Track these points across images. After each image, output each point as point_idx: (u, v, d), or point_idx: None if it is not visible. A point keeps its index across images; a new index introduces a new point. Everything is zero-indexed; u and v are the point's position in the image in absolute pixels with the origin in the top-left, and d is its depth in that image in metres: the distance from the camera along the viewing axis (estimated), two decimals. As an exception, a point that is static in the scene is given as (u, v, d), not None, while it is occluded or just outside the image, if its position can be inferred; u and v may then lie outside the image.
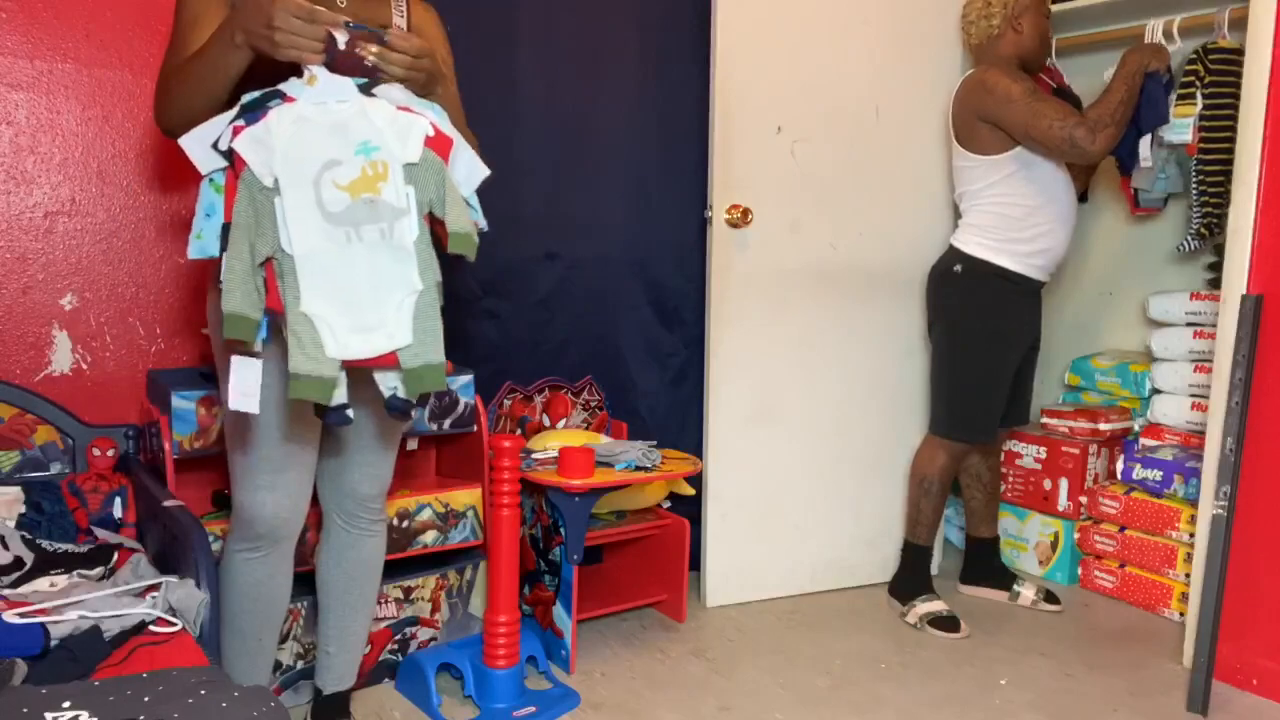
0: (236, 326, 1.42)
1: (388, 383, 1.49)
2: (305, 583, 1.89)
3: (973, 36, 2.60)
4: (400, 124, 1.45)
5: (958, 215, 2.70)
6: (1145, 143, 2.67)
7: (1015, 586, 2.81)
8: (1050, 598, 2.78)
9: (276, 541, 1.69)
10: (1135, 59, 2.45)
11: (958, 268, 2.58)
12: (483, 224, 1.59)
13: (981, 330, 2.58)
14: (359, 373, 1.49)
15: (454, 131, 1.52)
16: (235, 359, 1.46)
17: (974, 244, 2.56)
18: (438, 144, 1.47)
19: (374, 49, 1.46)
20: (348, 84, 1.44)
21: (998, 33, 2.55)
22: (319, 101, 1.43)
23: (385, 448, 1.79)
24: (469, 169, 1.55)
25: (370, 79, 1.47)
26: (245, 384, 1.47)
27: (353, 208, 1.42)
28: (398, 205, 1.43)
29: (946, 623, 2.58)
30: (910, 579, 2.72)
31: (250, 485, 1.65)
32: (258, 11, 1.41)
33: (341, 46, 1.43)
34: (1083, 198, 3.19)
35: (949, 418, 2.64)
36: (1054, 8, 3.04)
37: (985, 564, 2.87)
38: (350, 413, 1.48)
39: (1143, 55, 2.46)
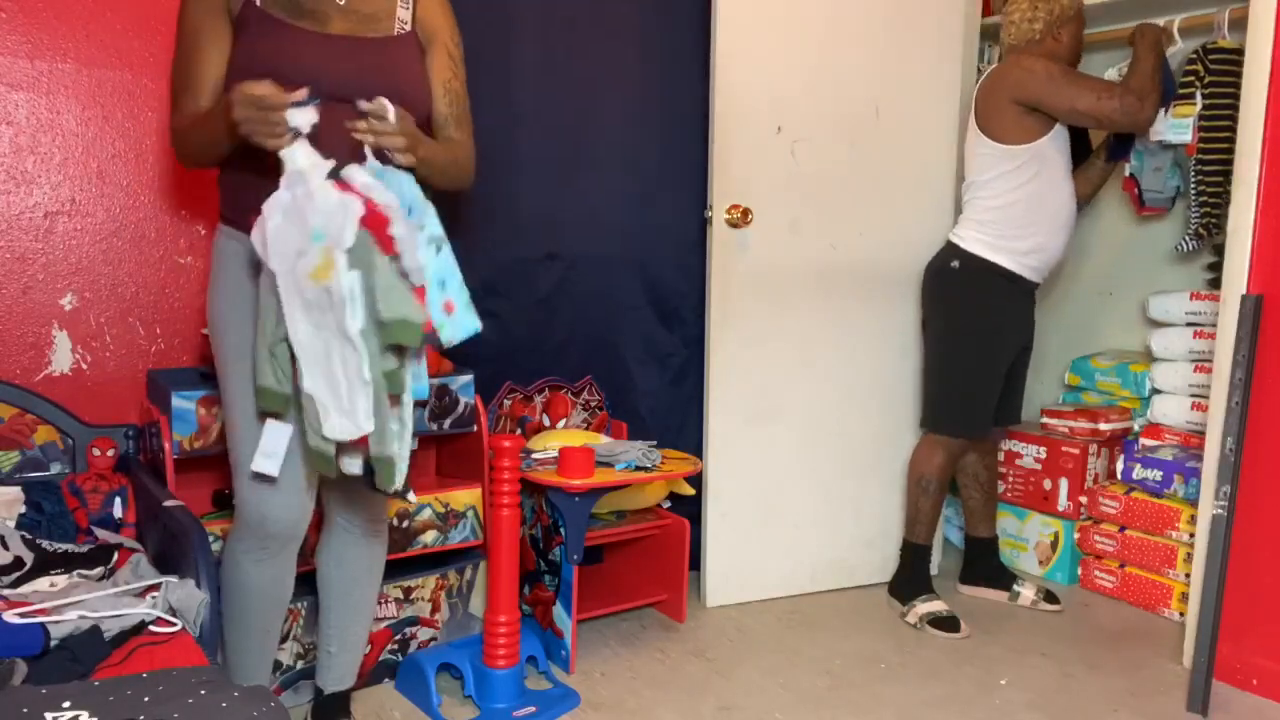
0: (267, 399, 1.51)
1: (353, 465, 1.52)
2: (306, 582, 1.89)
3: (1011, 36, 2.60)
4: (337, 205, 1.40)
5: (958, 211, 2.70)
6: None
7: (1015, 586, 2.80)
8: (1050, 598, 2.78)
9: (285, 543, 1.69)
10: (1152, 30, 2.52)
11: (955, 264, 2.59)
12: (468, 325, 1.54)
13: (976, 327, 2.60)
14: None
15: (414, 203, 1.48)
16: (270, 422, 1.54)
17: (972, 240, 2.57)
18: (372, 222, 1.40)
19: (362, 125, 1.46)
20: (314, 168, 1.42)
21: (1038, 38, 2.56)
22: (289, 189, 1.43)
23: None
24: (430, 247, 1.49)
25: (379, 156, 1.48)
26: (273, 445, 1.55)
27: (319, 296, 1.41)
28: (343, 294, 1.39)
29: (947, 623, 2.58)
30: (910, 579, 2.72)
31: (254, 495, 1.64)
32: (229, 101, 1.43)
33: (304, 126, 1.42)
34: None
35: (942, 413, 2.65)
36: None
37: (985, 564, 2.86)
38: (411, 496, 1.58)
39: (1155, 28, 2.53)
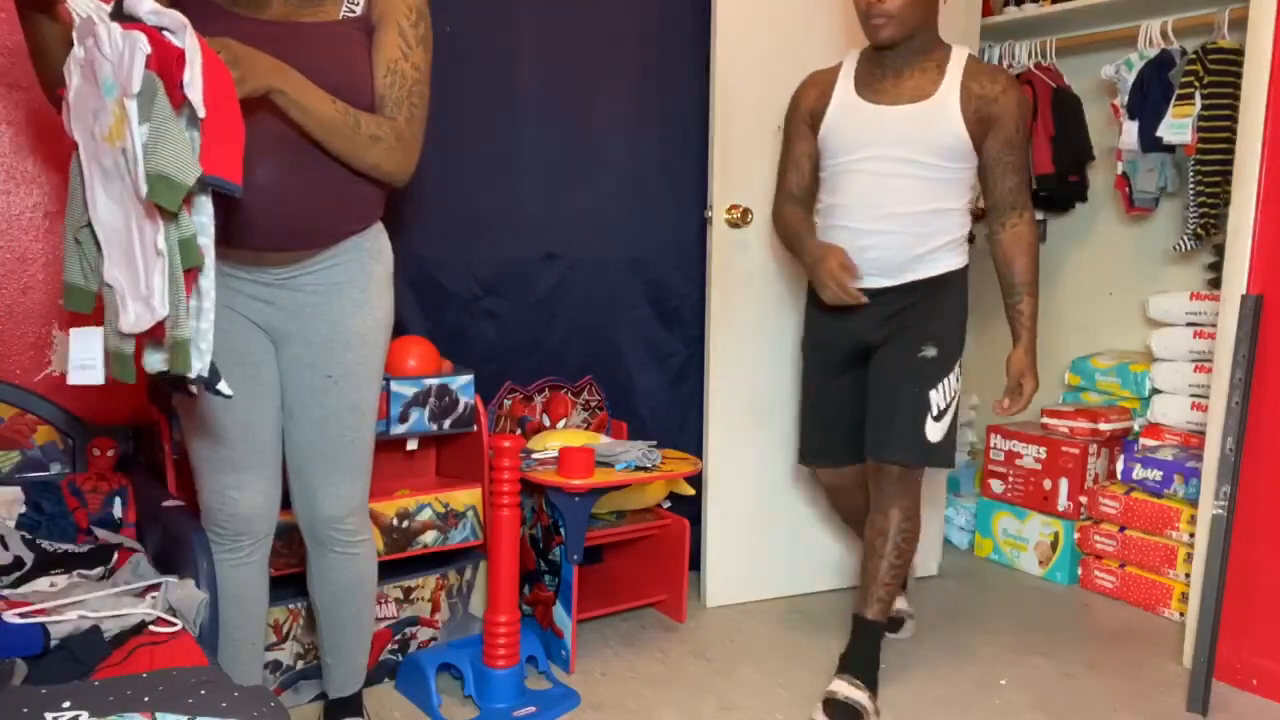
0: (73, 297, 1.35)
1: (155, 361, 1.33)
2: (305, 582, 1.88)
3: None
4: (122, 45, 1.21)
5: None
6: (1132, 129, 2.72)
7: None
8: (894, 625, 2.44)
9: (256, 539, 1.70)
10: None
11: None
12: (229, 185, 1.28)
13: (804, 342, 2.42)
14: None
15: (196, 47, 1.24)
16: (74, 331, 1.36)
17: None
18: (160, 60, 1.21)
19: None
20: (99, 10, 1.24)
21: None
22: (80, 42, 1.26)
23: (346, 468, 1.73)
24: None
25: None
26: (84, 354, 1.37)
27: (117, 161, 1.25)
28: (135, 152, 1.21)
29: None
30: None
31: (217, 487, 1.65)
32: None
33: None
34: (1082, 198, 3.20)
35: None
36: (1054, 8, 3.05)
37: (856, 654, 2.16)
38: (223, 387, 1.33)
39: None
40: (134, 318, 1.29)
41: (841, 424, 2.30)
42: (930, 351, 2.15)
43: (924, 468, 2.19)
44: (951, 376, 2.17)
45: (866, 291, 2.15)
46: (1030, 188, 2.10)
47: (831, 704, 2.05)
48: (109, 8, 1.26)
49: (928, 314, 2.17)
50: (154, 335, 1.29)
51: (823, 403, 2.35)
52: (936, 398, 2.14)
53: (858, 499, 2.39)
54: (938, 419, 2.14)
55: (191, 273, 1.28)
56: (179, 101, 1.23)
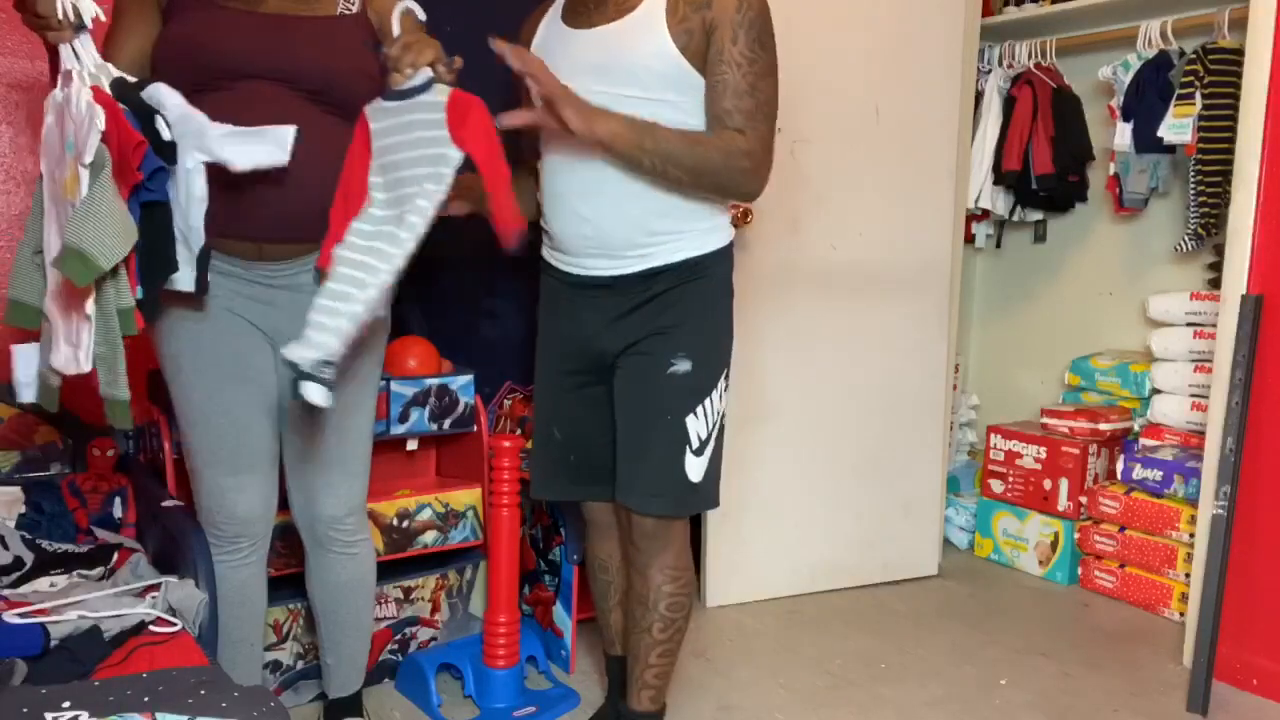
0: (16, 314, 1.40)
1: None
2: (304, 582, 1.88)
3: None
4: (85, 113, 1.24)
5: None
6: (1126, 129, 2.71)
7: None
8: None
9: (255, 540, 1.70)
10: None
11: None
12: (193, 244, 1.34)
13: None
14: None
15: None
16: (15, 348, 1.41)
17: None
18: (116, 139, 1.24)
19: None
20: (80, 69, 1.28)
21: None
22: (62, 88, 1.30)
23: (345, 467, 1.74)
24: (187, 149, 1.32)
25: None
26: (28, 373, 1.42)
27: (64, 212, 1.28)
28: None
29: None
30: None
31: (216, 489, 1.65)
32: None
33: (84, 16, 1.28)
34: (1082, 198, 3.20)
35: None
36: (1054, 8, 3.05)
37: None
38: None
39: None
40: (63, 359, 1.33)
41: (575, 449, 1.81)
42: (682, 365, 1.67)
43: (686, 515, 1.75)
44: (715, 395, 1.71)
45: (586, 279, 1.71)
46: (770, 119, 1.62)
47: None
48: (93, 67, 1.29)
49: (677, 314, 1.69)
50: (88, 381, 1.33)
51: (557, 421, 1.82)
52: (696, 426, 1.68)
53: (607, 547, 1.93)
54: (698, 452, 1.69)
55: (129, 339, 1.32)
56: (132, 183, 1.26)
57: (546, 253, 1.80)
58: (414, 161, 1.45)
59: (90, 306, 1.27)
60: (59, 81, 1.32)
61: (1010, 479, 3.09)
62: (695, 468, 1.69)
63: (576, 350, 1.77)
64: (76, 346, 1.31)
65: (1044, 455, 3.00)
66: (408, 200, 1.45)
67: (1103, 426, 2.95)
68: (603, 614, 1.99)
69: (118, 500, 1.94)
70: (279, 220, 1.58)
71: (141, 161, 1.27)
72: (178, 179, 1.39)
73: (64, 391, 2.06)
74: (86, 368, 1.30)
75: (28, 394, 1.43)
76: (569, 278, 1.74)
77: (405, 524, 2.16)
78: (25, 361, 1.42)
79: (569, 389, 1.79)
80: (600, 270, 1.69)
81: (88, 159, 1.22)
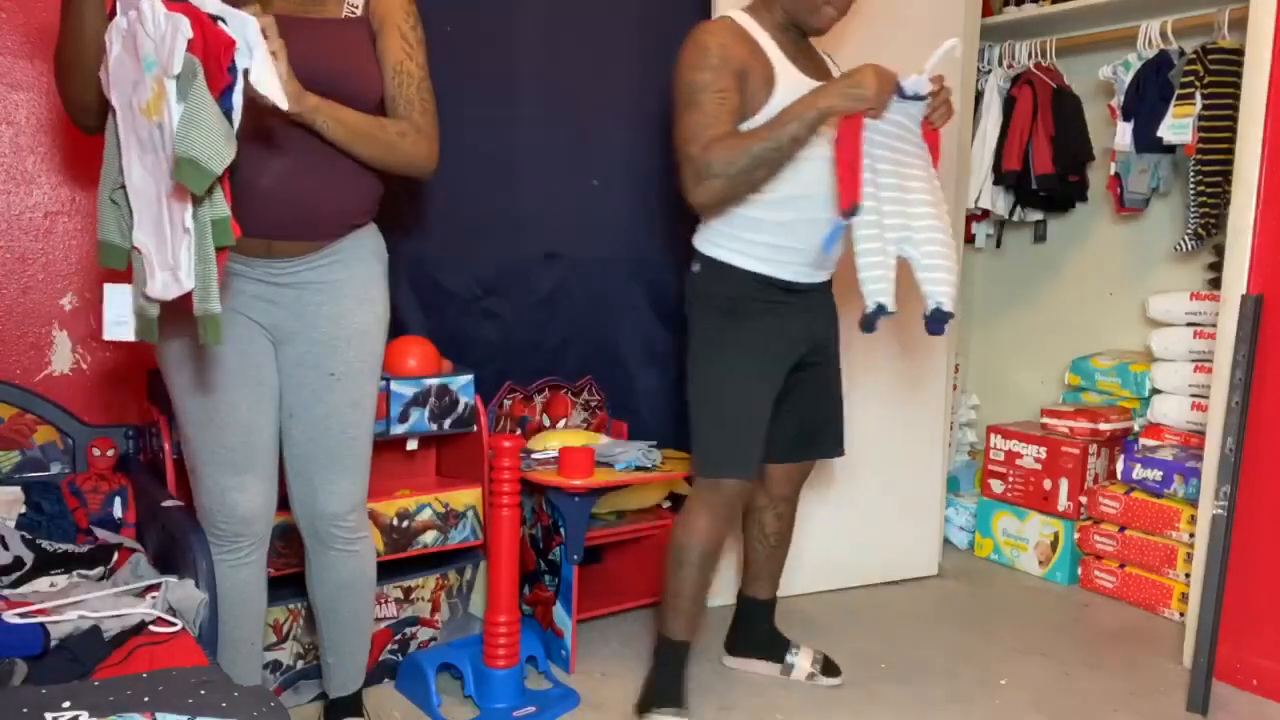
0: (107, 254, 1.41)
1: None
2: (305, 582, 1.88)
3: None
4: (165, 26, 1.23)
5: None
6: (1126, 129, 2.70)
7: (789, 657, 2.32)
8: (829, 669, 2.30)
9: (255, 539, 1.70)
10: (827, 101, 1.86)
11: (696, 267, 2.10)
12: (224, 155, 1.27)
13: (724, 340, 2.04)
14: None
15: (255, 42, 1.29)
16: (107, 287, 1.41)
17: (707, 239, 2.09)
18: (202, 46, 1.23)
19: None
20: None
21: None
22: (124, 12, 1.29)
23: (346, 465, 1.74)
24: (260, 74, 1.31)
25: None
26: (120, 310, 1.41)
27: (152, 134, 1.28)
28: (172, 130, 1.24)
29: None
30: (655, 683, 2.09)
31: (216, 488, 1.65)
32: None
33: None
34: (1082, 198, 3.20)
35: (695, 452, 2.07)
36: (1054, 8, 3.05)
37: (758, 630, 2.36)
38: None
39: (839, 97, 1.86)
40: (161, 285, 1.33)
41: (763, 430, 2.05)
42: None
43: None
44: None
45: (805, 286, 2.03)
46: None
47: None
48: None
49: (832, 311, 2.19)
50: (183, 306, 1.31)
51: (762, 409, 2.03)
52: None
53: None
54: None
55: (224, 251, 1.32)
56: (221, 86, 1.25)
57: (767, 266, 2.00)
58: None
59: (189, 219, 1.27)
60: (119, 7, 1.31)
61: (1010, 479, 3.09)
62: None
63: (806, 339, 2.08)
64: (175, 268, 1.30)
65: (1044, 455, 3.00)
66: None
67: (1103, 426, 2.95)
68: (757, 557, 2.36)
69: (118, 500, 1.94)
70: (290, 218, 1.59)
71: (231, 62, 1.27)
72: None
73: (64, 390, 2.09)
74: (189, 285, 1.29)
75: (121, 331, 1.41)
76: (795, 286, 2.03)
77: (405, 524, 2.16)
78: (118, 299, 1.40)
79: (779, 377, 2.06)
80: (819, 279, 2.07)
81: (176, 69, 1.21)
